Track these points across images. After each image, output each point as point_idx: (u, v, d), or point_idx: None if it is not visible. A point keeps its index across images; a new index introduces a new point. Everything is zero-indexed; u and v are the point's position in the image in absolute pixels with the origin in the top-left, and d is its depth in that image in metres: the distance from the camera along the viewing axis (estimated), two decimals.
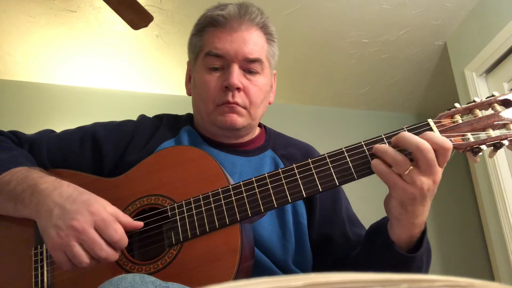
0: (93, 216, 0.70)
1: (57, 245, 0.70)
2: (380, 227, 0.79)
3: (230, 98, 0.90)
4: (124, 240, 0.72)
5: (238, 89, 0.90)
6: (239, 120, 0.92)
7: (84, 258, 0.69)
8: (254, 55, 0.91)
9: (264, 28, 0.95)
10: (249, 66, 0.92)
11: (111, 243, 0.71)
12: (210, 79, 0.92)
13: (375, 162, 0.70)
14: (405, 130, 0.73)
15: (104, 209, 0.72)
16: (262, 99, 0.94)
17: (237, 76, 0.89)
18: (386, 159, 0.69)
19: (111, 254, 0.71)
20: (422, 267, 0.76)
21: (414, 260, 0.74)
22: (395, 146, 0.70)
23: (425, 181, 0.67)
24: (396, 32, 2.73)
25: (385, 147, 0.70)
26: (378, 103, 3.55)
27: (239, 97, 0.90)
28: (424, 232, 0.75)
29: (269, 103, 1.02)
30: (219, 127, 0.94)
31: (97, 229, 0.70)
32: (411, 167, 0.67)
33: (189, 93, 1.01)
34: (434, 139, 0.67)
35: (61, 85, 3.07)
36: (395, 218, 0.72)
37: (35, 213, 0.75)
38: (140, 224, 0.76)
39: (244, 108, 0.92)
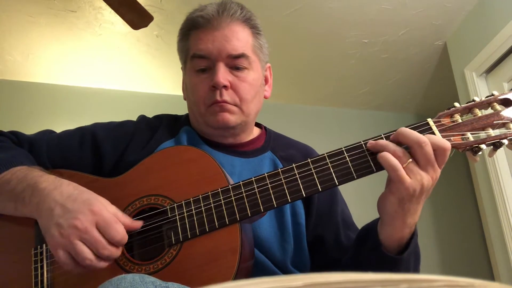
0: (95, 216, 0.71)
1: (59, 244, 0.70)
2: (370, 228, 0.79)
3: (218, 97, 0.89)
4: (125, 239, 0.73)
5: (226, 87, 0.89)
6: (231, 118, 0.91)
7: (88, 254, 0.69)
8: (238, 51, 0.90)
9: (248, 22, 0.94)
10: (235, 62, 0.91)
11: (112, 243, 0.71)
12: (198, 81, 0.92)
13: (384, 154, 0.70)
14: None
15: (105, 209, 0.72)
16: (253, 95, 0.93)
17: (222, 74, 0.89)
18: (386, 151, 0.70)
19: (114, 252, 0.71)
20: (409, 269, 0.76)
21: (401, 261, 0.74)
22: (394, 142, 0.71)
23: (424, 176, 0.68)
24: (396, 32, 2.73)
25: (384, 141, 0.71)
26: (378, 103, 3.55)
27: (228, 95, 0.90)
28: (413, 234, 0.75)
29: (265, 97, 1.01)
30: (213, 127, 0.94)
31: (98, 229, 0.71)
32: (410, 160, 0.68)
33: (185, 98, 1.01)
34: (433, 139, 0.68)
35: (61, 85, 3.07)
36: (390, 217, 0.73)
37: (36, 212, 0.75)
38: (139, 224, 0.76)
39: (235, 105, 0.91)
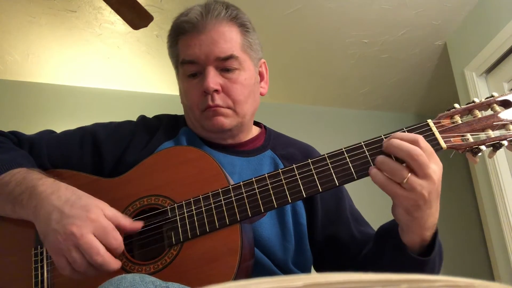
0: (92, 222, 0.70)
1: (57, 249, 0.70)
2: (391, 230, 0.77)
3: (210, 102, 0.89)
4: (121, 247, 0.73)
5: (217, 91, 0.89)
6: (226, 121, 0.91)
7: (82, 262, 0.69)
8: (225, 53, 0.89)
9: (234, 21, 0.92)
10: (224, 64, 0.90)
11: (109, 250, 0.71)
12: (190, 86, 0.92)
13: (374, 173, 0.69)
14: (404, 131, 0.73)
15: (103, 215, 0.72)
16: (246, 95, 0.92)
17: (212, 78, 0.88)
18: (383, 169, 0.69)
19: (109, 261, 0.70)
20: (434, 269, 0.76)
21: (428, 263, 0.73)
22: (387, 154, 0.70)
23: (424, 186, 0.66)
24: (396, 32, 2.73)
25: (382, 157, 0.69)
26: (378, 103, 3.55)
27: (220, 99, 0.89)
28: (435, 234, 0.74)
29: (262, 94, 1.00)
30: (209, 131, 0.94)
31: (96, 236, 0.70)
32: (409, 175, 0.66)
33: (182, 102, 1.01)
34: (401, 136, 0.68)
35: (61, 85, 3.07)
36: (405, 224, 0.72)
37: (33, 216, 0.75)
38: (140, 224, 0.76)
39: (229, 108, 0.91)
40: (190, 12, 0.92)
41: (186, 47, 0.91)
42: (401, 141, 0.68)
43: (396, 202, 0.70)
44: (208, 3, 0.93)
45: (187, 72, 0.92)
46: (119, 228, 0.74)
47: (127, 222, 0.75)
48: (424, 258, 0.73)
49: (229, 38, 0.90)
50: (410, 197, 0.67)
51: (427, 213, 0.69)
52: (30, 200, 0.76)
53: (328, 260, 0.92)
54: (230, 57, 0.90)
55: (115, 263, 0.71)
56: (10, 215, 0.81)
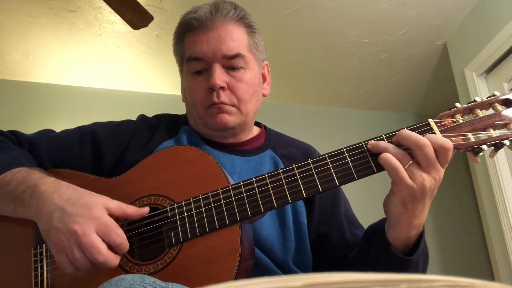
0: (95, 220, 0.70)
1: (59, 248, 0.70)
2: (378, 228, 0.79)
3: (215, 99, 0.89)
4: (125, 244, 0.72)
5: (223, 88, 0.89)
6: (230, 119, 0.91)
7: (83, 261, 0.69)
8: (233, 51, 0.90)
9: (242, 21, 0.94)
10: (230, 63, 0.91)
11: (113, 247, 0.71)
12: (195, 83, 0.92)
13: (385, 155, 0.70)
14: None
15: (105, 213, 0.72)
16: (251, 94, 0.93)
17: (218, 75, 0.88)
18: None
19: (110, 259, 0.70)
20: (418, 270, 0.76)
21: (411, 262, 0.74)
22: (395, 144, 0.71)
23: (426, 178, 0.68)
24: (396, 32, 2.72)
25: (385, 143, 0.71)
26: (378, 103, 3.55)
27: (225, 96, 0.90)
28: (421, 235, 0.75)
29: (264, 95, 1.01)
30: (212, 129, 0.94)
31: (99, 234, 0.70)
32: (411, 162, 0.68)
33: (184, 100, 1.01)
34: (434, 139, 0.68)
35: (61, 85, 3.06)
36: (395, 218, 0.73)
37: (35, 215, 0.75)
38: (146, 209, 0.77)
39: (233, 106, 0.91)
40: (199, 10, 0.92)
41: (193, 43, 0.92)
42: (411, 132, 0.70)
43: (395, 189, 0.70)
44: (217, 2, 0.93)
45: (193, 69, 0.92)
46: (127, 217, 0.75)
47: (133, 210, 0.76)
48: (407, 257, 0.74)
49: (236, 37, 0.91)
50: (411, 185, 0.68)
51: (419, 208, 0.70)
52: (31, 199, 0.76)
53: (317, 258, 0.92)
54: (237, 55, 0.90)
55: (116, 261, 0.72)
56: (11, 214, 0.81)
